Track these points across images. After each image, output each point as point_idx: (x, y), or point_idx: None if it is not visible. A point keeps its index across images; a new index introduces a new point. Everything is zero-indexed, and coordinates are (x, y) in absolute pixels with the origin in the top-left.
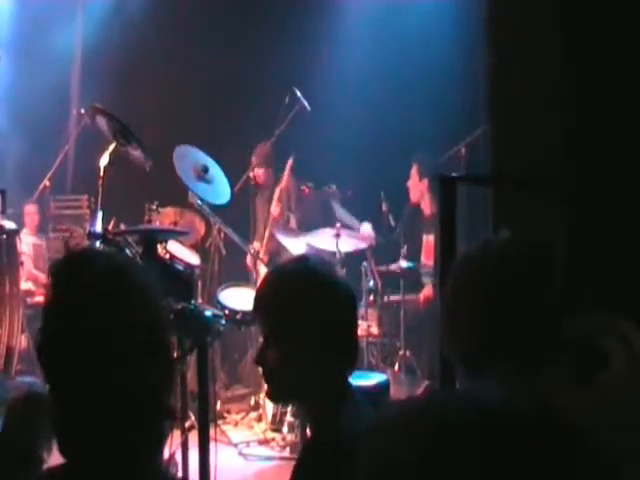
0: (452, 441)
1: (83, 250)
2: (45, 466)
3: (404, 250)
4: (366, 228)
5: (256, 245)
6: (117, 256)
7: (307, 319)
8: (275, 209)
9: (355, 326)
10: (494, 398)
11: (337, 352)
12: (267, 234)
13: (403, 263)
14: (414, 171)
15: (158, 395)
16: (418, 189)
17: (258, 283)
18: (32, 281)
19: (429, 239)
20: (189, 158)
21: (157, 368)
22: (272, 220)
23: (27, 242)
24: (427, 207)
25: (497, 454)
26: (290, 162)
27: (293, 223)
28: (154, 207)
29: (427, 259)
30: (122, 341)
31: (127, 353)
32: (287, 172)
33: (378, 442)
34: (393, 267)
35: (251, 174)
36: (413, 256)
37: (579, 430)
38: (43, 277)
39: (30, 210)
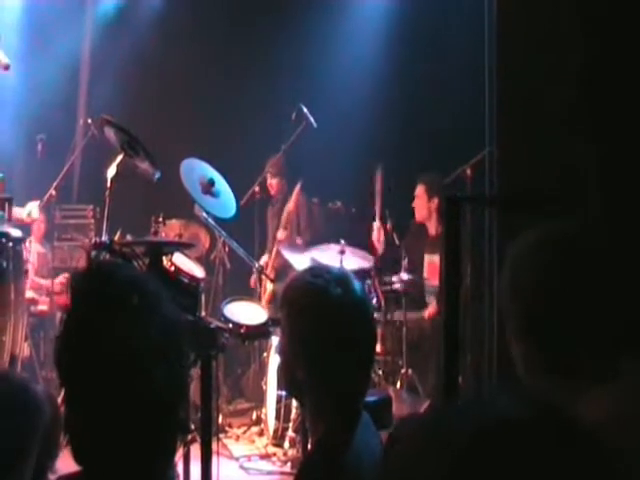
0: (468, 454)
1: (104, 263)
2: (51, 475)
3: (405, 262)
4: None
5: (266, 258)
6: (134, 269)
7: (319, 335)
8: (282, 234)
9: (369, 347)
10: (510, 406)
11: (357, 372)
12: (274, 252)
13: (404, 275)
14: (421, 191)
15: (173, 408)
16: (425, 209)
17: (265, 298)
18: (35, 289)
19: (433, 259)
20: (196, 171)
21: (173, 381)
22: (278, 242)
23: (32, 250)
24: (433, 227)
25: (514, 464)
26: (298, 187)
27: (300, 243)
28: (160, 219)
29: (431, 279)
30: (140, 354)
31: (145, 366)
32: (295, 196)
33: (396, 459)
34: (395, 279)
35: (257, 188)
36: (414, 270)
37: (594, 435)
38: (47, 285)
39: (37, 219)
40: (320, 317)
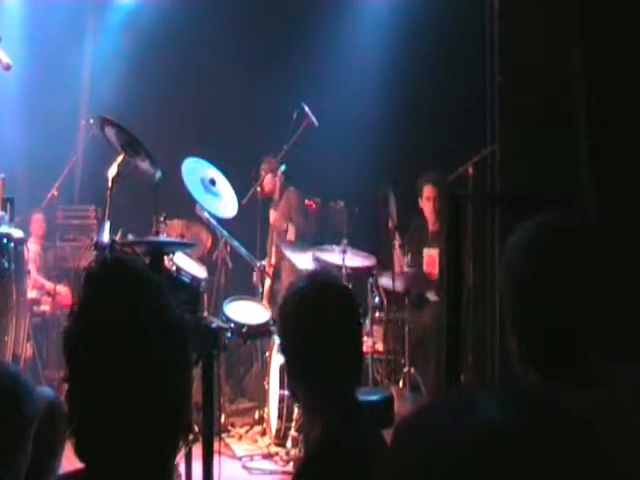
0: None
1: (120, 256)
2: (54, 475)
3: (408, 258)
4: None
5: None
6: (146, 269)
7: (311, 335)
8: (272, 215)
9: (358, 340)
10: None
11: (341, 367)
12: (273, 247)
13: (408, 270)
14: (434, 193)
15: (179, 407)
16: (435, 211)
17: (265, 297)
18: (37, 289)
19: (431, 253)
20: (197, 171)
21: (180, 382)
22: (271, 228)
23: (32, 250)
24: (432, 223)
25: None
26: (279, 172)
27: (291, 234)
28: (161, 219)
29: (430, 272)
30: (149, 353)
31: (153, 366)
32: (277, 180)
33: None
34: (397, 271)
35: (258, 188)
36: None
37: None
38: (49, 288)
39: (37, 218)
40: (296, 309)
